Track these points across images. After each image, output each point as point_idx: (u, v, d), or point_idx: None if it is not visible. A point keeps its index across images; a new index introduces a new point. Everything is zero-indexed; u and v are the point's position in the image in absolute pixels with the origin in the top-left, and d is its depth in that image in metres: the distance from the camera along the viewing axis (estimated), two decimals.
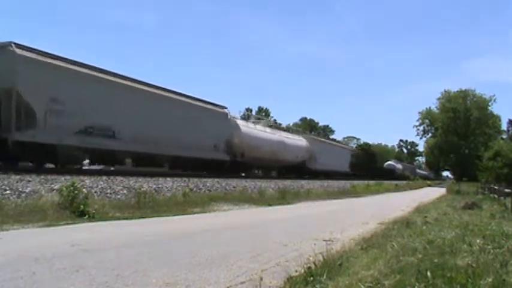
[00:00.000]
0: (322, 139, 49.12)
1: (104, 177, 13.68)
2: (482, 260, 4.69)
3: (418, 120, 59.84)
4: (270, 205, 15.95)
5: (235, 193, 17.55)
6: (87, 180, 12.49)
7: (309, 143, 38.63)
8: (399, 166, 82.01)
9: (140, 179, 14.73)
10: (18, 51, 13.87)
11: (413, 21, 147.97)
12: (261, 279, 4.42)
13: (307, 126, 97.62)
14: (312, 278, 4.23)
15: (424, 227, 8.02)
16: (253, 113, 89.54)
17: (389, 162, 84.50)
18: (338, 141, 61.06)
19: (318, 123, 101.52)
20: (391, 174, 68.50)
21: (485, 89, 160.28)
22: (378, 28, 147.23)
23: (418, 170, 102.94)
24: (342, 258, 5.25)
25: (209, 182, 17.96)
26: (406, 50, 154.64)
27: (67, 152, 15.20)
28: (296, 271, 4.78)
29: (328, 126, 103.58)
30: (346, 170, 49.01)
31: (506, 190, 16.95)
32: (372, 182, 39.04)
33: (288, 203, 17.39)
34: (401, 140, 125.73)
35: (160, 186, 14.76)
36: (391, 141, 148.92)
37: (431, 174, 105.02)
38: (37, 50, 14.73)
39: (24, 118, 13.64)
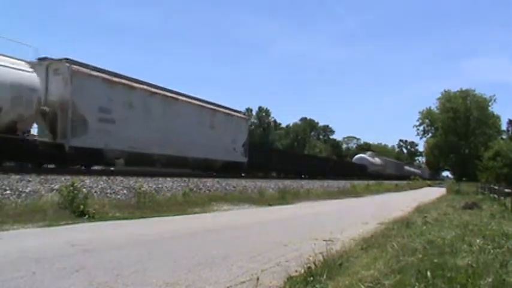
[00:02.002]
0: (124, 80, 17.60)
1: (104, 177, 13.68)
2: (482, 260, 4.69)
3: (418, 120, 59.77)
4: (270, 205, 15.96)
5: (235, 193, 17.57)
6: (87, 180, 12.50)
7: (54, 78, 15.00)
8: (376, 161, 62.50)
9: (140, 179, 14.73)
10: None
11: (413, 21, 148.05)
12: (258, 279, 4.42)
13: (308, 126, 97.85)
14: (312, 278, 4.23)
15: (424, 227, 8.01)
16: (254, 113, 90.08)
17: (360, 155, 64.52)
18: (209, 103, 24.16)
19: (318, 123, 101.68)
20: (360, 172, 51.42)
21: (485, 89, 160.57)
22: (378, 28, 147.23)
23: (407, 167, 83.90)
24: (342, 258, 5.25)
25: (209, 182, 17.98)
26: (406, 50, 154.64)
27: None
28: (296, 271, 4.78)
29: (328, 126, 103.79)
30: (234, 159, 24.96)
31: (506, 190, 16.95)
32: (371, 182, 38.96)
33: (288, 203, 17.39)
34: (401, 140, 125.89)
35: (160, 186, 14.78)
36: (391, 141, 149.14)
37: (426, 173, 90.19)
38: None
39: None
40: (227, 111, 25.21)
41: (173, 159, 19.88)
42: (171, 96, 20.31)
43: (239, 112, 26.88)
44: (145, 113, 18.11)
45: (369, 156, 63.52)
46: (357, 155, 66.60)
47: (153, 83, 19.58)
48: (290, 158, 38.74)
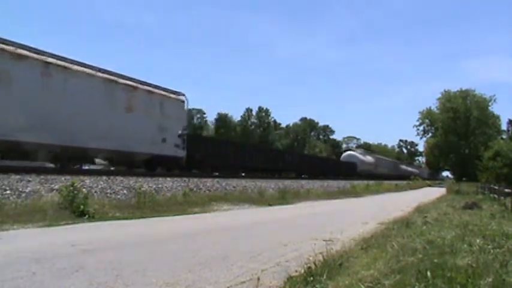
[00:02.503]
0: None
1: (104, 177, 13.69)
2: (482, 260, 4.68)
3: (418, 120, 59.85)
4: (270, 205, 15.96)
5: (235, 193, 17.58)
6: (87, 180, 12.51)
7: None
8: (367, 159, 57.16)
9: (140, 179, 14.74)
10: None
11: (413, 21, 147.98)
12: (258, 279, 4.42)
13: (308, 126, 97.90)
14: (312, 278, 4.23)
15: (424, 227, 8.02)
16: (254, 113, 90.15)
17: (349, 152, 59.11)
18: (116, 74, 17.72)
19: (318, 123, 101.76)
20: (348, 172, 45.48)
21: (485, 89, 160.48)
22: (378, 28, 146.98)
23: (404, 167, 79.19)
24: (342, 258, 5.25)
25: (209, 182, 17.99)
26: (406, 50, 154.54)
27: None
28: (296, 271, 4.78)
29: (328, 126, 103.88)
30: (164, 152, 19.23)
31: (506, 190, 16.94)
32: (371, 182, 38.94)
33: (288, 203, 17.40)
34: (401, 140, 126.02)
35: (160, 186, 14.79)
36: (391, 141, 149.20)
37: (425, 173, 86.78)
38: None
39: None
40: (153, 89, 19.23)
41: (61, 151, 14.77)
42: (56, 64, 14.55)
43: (174, 92, 20.60)
44: (5, 85, 12.93)
45: (359, 153, 58.12)
46: (346, 152, 60.94)
47: (24, 43, 13.83)
48: (252, 152, 30.87)
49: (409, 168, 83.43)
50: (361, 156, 56.05)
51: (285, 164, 34.11)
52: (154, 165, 19.56)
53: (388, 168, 64.72)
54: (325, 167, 43.42)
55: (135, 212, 10.99)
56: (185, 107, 21.54)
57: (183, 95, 21.15)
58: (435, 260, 4.51)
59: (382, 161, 64.02)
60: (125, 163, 18.87)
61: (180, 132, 20.39)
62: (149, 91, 18.94)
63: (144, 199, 12.23)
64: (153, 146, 18.55)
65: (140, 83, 18.58)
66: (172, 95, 20.46)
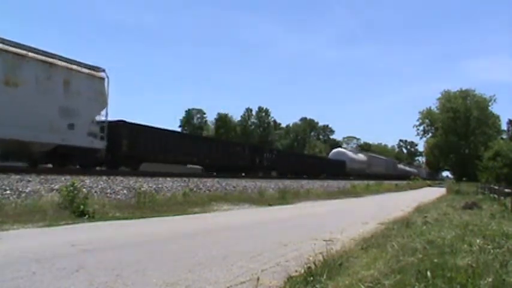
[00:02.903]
0: None
1: (104, 177, 13.71)
2: (482, 260, 4.68)
3: (418, 120, 59.91)
4: (270, 205, 15.96)
5: (235, 193, 17.59)
6: (87, 180, 12.52)
7: None
8: (358, 157, 53.09)
9: (140, 179, 14.76)
10: None
11: (413, 21, 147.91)
12: (258, 279, 4.42)
13: (307, 126, 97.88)
14: (312, 278, 4.23)
15: (424, 227, 8.02)
16: (253, 113, 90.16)
17: (338, 149, 55.54)
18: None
19: (317, 123, 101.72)
20: (336, 171, 41.84)
21: (485, 89, 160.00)
22: (378, 28, 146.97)
23: (401, 166, 76.35)
24: (342, 258, 5.25)
25: (209, 182, 18.01)
26: (406, 50, 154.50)
27: None
28: (296, 271, 4.78)
29: (328, 126, 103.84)
30: (71, 143, 14.80)
31: (506, 190, 16.95)
32: (371, 182, 38.93)
33: (288, 203, 17.40)
34: (401, 140, 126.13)
35: (160, 186, 14.80)
36: (391, 141, 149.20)
37: (424, 173, 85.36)
38: None
39: None
40: (54, 60, 14.65)
41: None
42: None
43: (88, 67, 16.10)
44: None
45: (350, 151, 55.84)
46: (334, 149, 56.95)
47: None
48: (208, 146, 25.14)
49: (407, 168, 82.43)
50: (351, 154, 52.33)
51: (246, 160, 28.11)
52: (62, 159, 15.44)
53: (384, 167, 61.85)
54: (307, 166, 37.88)
55: (135, 212, 10.99)
56: (105, 86, 16.53)
57: (103, 71, 16.62)
58: (435, 260, 4.51)
59: (376, 160, 60.81)
60: (20, 156, 14.71)
61: (97, 117, 16.31)
62: (47, 62, 14.33)
63: (144, 199, 12.24)
64: (54, 133, 14.34)
65: (33, 51, 14.09)
66: (85, 70, 15.80)
